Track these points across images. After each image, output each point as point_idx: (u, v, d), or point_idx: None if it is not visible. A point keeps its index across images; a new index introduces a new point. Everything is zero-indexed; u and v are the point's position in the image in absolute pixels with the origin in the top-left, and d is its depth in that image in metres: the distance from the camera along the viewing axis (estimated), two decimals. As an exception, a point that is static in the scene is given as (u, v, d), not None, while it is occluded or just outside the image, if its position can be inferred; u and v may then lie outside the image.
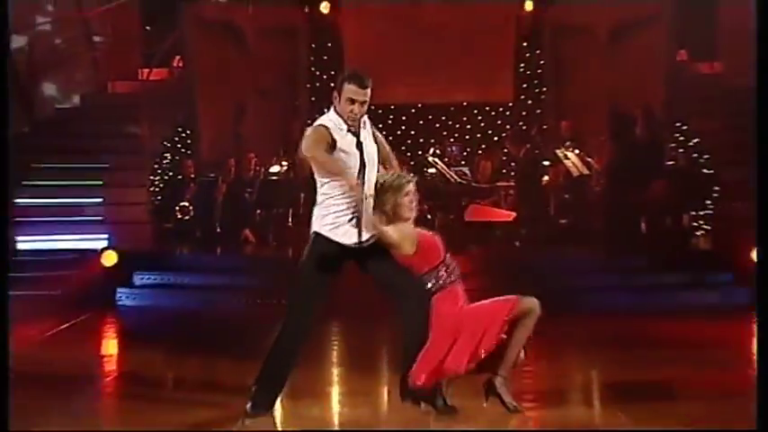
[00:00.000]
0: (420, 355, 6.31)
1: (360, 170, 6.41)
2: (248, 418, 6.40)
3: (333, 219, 6.41)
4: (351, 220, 6.41)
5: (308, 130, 6.44)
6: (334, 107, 6.49)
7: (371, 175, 6.47)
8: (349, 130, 6.44)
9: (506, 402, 6.40)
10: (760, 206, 6.11)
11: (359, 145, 6.45)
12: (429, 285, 6.42)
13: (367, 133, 6.56)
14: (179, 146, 16.33)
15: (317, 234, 6.47)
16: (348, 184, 6.31)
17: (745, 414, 6.56)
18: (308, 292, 6.49)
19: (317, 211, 6.50)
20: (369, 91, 6.43)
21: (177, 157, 16.07)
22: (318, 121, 6.48)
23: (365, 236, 6.43)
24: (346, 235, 6.42)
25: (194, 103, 16.50)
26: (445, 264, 6.48)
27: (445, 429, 6.22)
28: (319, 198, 6.49)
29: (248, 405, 6.43)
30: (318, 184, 6.48)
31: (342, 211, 6.40)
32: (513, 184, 15.56)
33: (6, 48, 7.46)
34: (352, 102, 6.39)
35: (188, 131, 16.44)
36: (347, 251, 6.45)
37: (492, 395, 6.43)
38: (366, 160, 6.44)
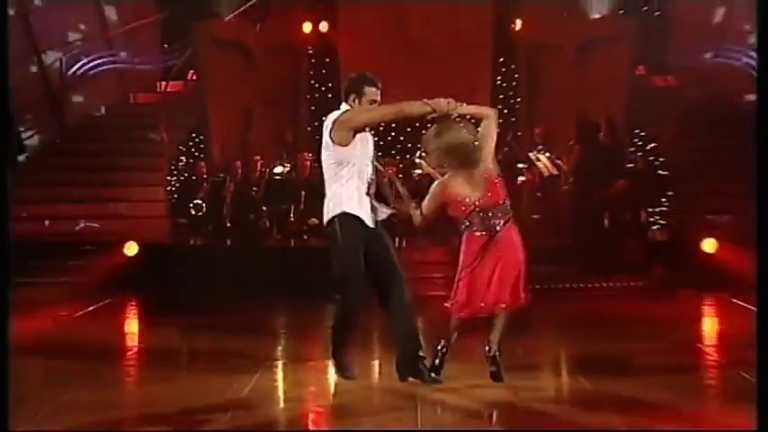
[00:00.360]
0: (502, 283, 6.50)
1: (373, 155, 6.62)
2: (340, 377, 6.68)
3: (359, 198, 6.45)
4: (370, 200, 6.51)
5: (342, 114, 6.51)
6: (349, 105, 6.58)
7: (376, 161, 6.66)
8: None
9: (501, 373, 6.49)
10: (760, 207, 6.14)
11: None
12: (494, 218, 6.53)
13: None
14: (193, 149, 16.37)
15: (345, 214, 6.44)
16: (437, 105, 6.49)
17: (692, 379, 6.73)
18: (354, 264, 6.44)
19: (338, 195, 6.45)
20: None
21: (191, 160, 16.10)
22: (343, 109, 6.59)
23: (380, 216, 6.57)
24: (368, 215, 6.48)
25: (206, 111, 16.51)
26: (501, 206, 6.56)
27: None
28: (335, 186, 6.47)
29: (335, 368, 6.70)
30: (332, 173, 6.48)
31: (365, 191, 6.48)
32: (491, 183, 15.61)
33: (6, 47, 7.45)
34: (374, 102, 6.57)
35: (201, 137, 16.47)
36: (364, 231, 6.48)
37: (493, 365, 6.47)
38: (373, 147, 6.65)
